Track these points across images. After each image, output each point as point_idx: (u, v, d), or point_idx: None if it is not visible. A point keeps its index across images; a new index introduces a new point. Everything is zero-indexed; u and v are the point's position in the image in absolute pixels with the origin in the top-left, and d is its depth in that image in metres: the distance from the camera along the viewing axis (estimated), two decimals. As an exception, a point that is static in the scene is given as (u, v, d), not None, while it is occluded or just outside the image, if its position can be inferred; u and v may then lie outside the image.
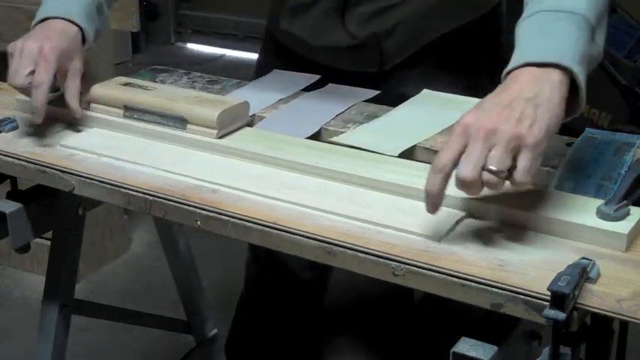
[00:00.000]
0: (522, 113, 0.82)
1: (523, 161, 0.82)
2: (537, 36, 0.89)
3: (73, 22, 1.16)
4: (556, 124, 0.84)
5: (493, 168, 0.81)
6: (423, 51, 1.36)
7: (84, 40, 1.17)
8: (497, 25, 1.42)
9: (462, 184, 0.83)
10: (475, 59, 1.39)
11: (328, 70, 1.36)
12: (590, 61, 0.90)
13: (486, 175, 0.82)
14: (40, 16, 1.17)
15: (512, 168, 0.82)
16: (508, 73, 0.88)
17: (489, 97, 0.86)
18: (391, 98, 1.25)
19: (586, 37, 0.88)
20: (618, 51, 2.92)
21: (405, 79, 1.34)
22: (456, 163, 0.83)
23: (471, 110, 0.84)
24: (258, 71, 1.49)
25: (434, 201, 0.85)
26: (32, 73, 1.10)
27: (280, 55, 1.46)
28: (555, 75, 0.85)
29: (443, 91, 1.27)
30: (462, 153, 0.83)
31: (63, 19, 1.16)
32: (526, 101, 0.83)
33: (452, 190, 0.86)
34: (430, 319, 1.83)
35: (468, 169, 0.82)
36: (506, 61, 0.91)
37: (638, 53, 2.95)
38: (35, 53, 1.10)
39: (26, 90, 1.11)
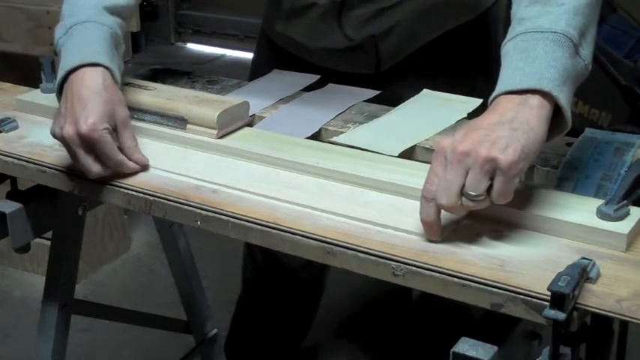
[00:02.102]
0: (497, 136, 0.83)
1: (497, 184, 0.83)
2: (517, 62, 0.89)
3: (97, 66, 1.05)
4: (534, 146, 0.85)
5: (471, 193, 0.83)
6: (419, 53, 1.36)
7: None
8: (493, 26, 1.42)
9: (443, 210, 0.85)
10: (471, 60, 1.39)
11: (324, 71, 1.36)
12: (577, 77, 0.90)
13: (464, 201, 0.84)
14: (64, 69, 1.06)
15: (490, 188, 0.84)
16: (492, 100, 0.89)
17: (469, 122, 0.88)
18: (387, 100, 1.25)
19: (567, 53, 0.88)
20: (618, 51, 2.91)
21: (401, 81, 1.34)
22: None
23: (448, 135, 0.87)
24: (254, 71, 1.49)
25: (433, 229, 0.86)
26: (97, 157, 1.02)
27: (275, 55, 1.46)
28: (534, 100, 0.86)
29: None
30: (440, 176, 0.85)
31: (87, 65, 1.05)
32: (501, 124, 0.84)
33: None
34: (428, 318, 1.84)
35: (444, 197, 0.84)
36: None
37: (638, 53, 2.95)
38: (79, 142, 1.00)
39: (108, 171, 1.03)
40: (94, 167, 1.01)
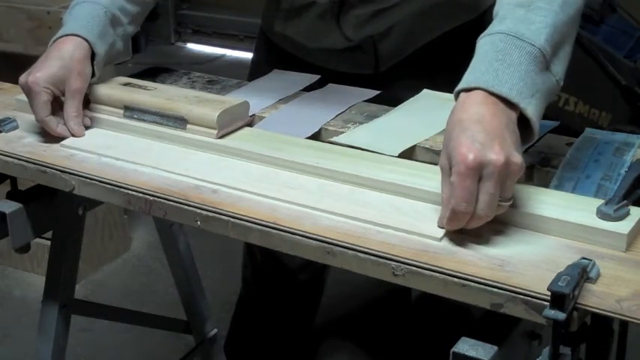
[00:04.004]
0: (511, 141, 0.85)
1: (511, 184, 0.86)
2: (493, 61, 0.90)
3: (77, 37, 1.16)
4: None
5: (509, 196, 0.86)
6: (417, 53, 1.36)
7: (94, 54, 1.17)
8: None
9: (477, 220, 0.85)
10: (470, 61, 1.39)
11: (323, 71, 1.36)
12: (548, 92, 0.92)
13: (501, 209, 0.86)
14: (52, 39, 1.18)
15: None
16: (463, 90, 0.90)
17: (470, 124, 0.86)
18: (386, 100, 1.25)
19: (538, 69, 0.90)
20: (618, 51, 2.91)
21: (400, 82, 1.34)
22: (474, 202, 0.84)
23: (463, 144, 0.84)
24: (253, 71, 1.49)
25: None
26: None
27: (275, 55, 1.46)
28: (510, 111, 0.88)
29: None
30: (476, 192, 0.84)
31: (69, 35, 1.16)
32: (507, 130, 0.86)
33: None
34: (428, 318, 1.84)
35: (490, 211, 0.85)
36: None
37: (638, 53, 2.94)
38: (26, 89, 1.13)
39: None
40: (36, 116, 1.14)
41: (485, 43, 0.93)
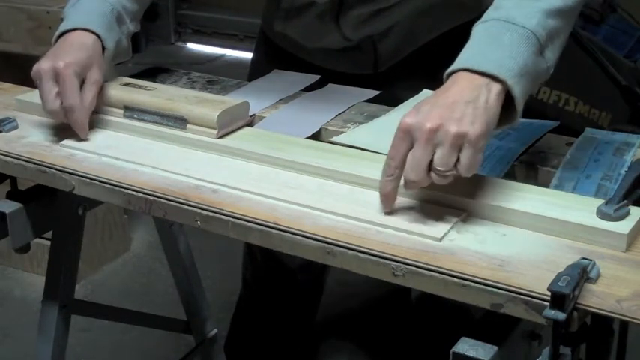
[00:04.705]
0: (462, 113, 0.86)
1: (466, 157, 0.86)
2: (483, 45, 0.92)
3: (90, 32, 1.16)
4: (492, 124, 0.88)
5: (441, 169, 0.86)
6: (417, 53, 1.36)
7: (104, 48, 1.17)
8: None
9: (410, 186, 0.88)
10: None
11: (323, 71, 1.36)
12: (537, 75, 0.93)
13: (434, 176, 0.87)
14: (59, 31, 1.17)
15: (456, 163, 0.86)
16: (450, 74, 0.92)
17: (428, 98, 0.90)
18: (386, 100, 1.25)
19: (531, 51, 0.91)
20: (618, 51, 2.91)
21: (400, 82, 1.34)
22: (403, 165, 0.88)
23: (410, 112, 0.88)
24: (253, 70, 1.49)
25: (388, 201, 0.91)
26: (59, 94, 1.10)
27: (274, 55, 1.46)
28: (493, 85, 0.89)
29: None
30: (406, 155, 0.87)
31: (80, 29, 1.15)
32: (465, 103, 0.87)
33: (452, 190, 0.85)
34: (428, 318, 1.84)
35: (413, 174, 0.87)
36: None
37: (638, 53, 2.94)
38: (51, 74, 1.10)
39: (61, 114, 1.11)
40: (53, 102, 1.10)
41: (478, 31, 0.95)
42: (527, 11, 0.92)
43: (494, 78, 0.89)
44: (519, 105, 0.91)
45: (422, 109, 0.88)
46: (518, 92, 0.90)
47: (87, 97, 1.12)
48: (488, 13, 0.96)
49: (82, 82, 1.12)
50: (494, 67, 0.89)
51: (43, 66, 1.10)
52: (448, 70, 0.92)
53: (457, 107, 0.86)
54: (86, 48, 1.13)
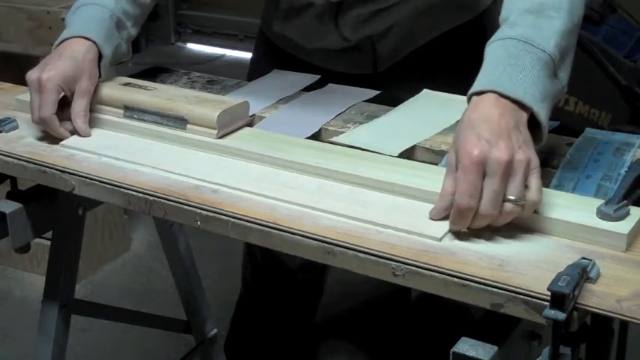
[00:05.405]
0: (517, 140, 0.87)
1: (535, 183, 0.86)
2: (506, 65, 0.92)
3: (87, 39, 1.17)
4: None
5: (513, 198, 0.85)
6: (416, 53, 1.36)
7: (101, 55, 1.19)
8: (490, 27, 1.42)
9: (482, 221, 0.86)
10: (468, 61, 1.39)
11: (322, 71, 1.36)
12: (554, 97, 0.94)
13: (511, 207, 0.85)
14: (58, 40, 1.19)
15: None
16: (476, 93, 0.91)
17: (478, 123, 0.88)
18: (385, 100, 1.25)
19: (547, 75, 0.92)
20: (618, 51, 2.91)
21: (399, 82, 1.34)
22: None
23: (469, 141, 0.86)
24: (252, 71, 1.49)
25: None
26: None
27: (274, 55, 1.46)
28: (524, 111, 0.90)
29: None
30: (480, 188, 0.85)
31: (76, 37, 1.17)
32: (514, 129, 0.88)
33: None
34: (427, 318, 1.84)
35: (493, 208, 0.85)
36: None
37: (638, 53, 2.94)
38: (36, 85, 1.13)
39: (42, 124, 1.14)
40: (36, 112, 1.13)
41: (496, 48, 0.94)
42: (545, 34, 0.93)
43: (521, 104, 0.89)
44: (545, 129, 0.92)
45: (482, 136, 0.86)
46: (544, 117, 0.91)
47: (77, 107, 1.15)
48: (505, 31, 0.95)
49: (72, 92, 1.15)
50: (521, 94, 0.89)
51: (31, 76, 1.14)
52: (475, 90, 0.92)
53: (512, 135, 0.87)
54: (75, 58, 1.15)
